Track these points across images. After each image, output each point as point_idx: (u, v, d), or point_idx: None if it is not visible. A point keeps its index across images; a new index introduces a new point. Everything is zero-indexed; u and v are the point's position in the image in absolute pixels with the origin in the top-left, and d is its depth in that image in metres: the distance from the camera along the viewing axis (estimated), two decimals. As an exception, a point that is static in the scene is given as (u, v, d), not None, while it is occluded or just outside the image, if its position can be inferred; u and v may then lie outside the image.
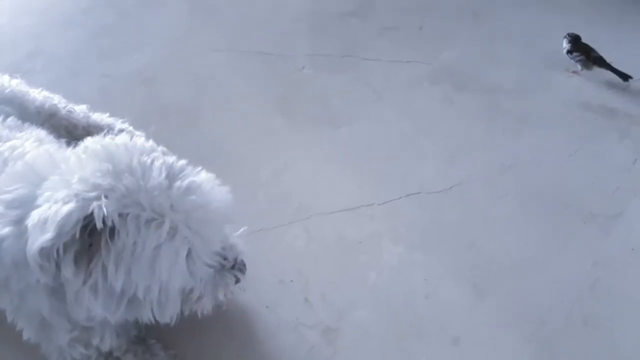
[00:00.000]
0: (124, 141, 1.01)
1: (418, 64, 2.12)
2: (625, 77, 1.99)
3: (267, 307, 1.35)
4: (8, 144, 1.13)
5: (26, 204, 0.96)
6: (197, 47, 2.25)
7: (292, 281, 1.41)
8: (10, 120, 1.26)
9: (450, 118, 1.91)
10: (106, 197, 0.90)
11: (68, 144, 1.21)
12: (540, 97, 1.98)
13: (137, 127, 1.70)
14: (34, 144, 1.15)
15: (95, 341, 1.09)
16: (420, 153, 1.78)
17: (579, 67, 2.04)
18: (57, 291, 0.99)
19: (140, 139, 1.03)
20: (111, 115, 1.71)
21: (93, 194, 0.90)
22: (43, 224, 0.88)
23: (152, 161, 0.97)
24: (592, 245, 1.51)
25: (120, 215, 0.90)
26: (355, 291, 1.40)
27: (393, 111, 1.94)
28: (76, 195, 0.90)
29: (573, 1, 2.44)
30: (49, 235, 0.87)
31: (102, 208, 0.89)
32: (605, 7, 2.42)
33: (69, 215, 0.88)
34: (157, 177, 0.95)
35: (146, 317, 1.01)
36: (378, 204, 1.61)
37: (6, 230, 0.96)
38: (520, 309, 1.38)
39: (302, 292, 1.39)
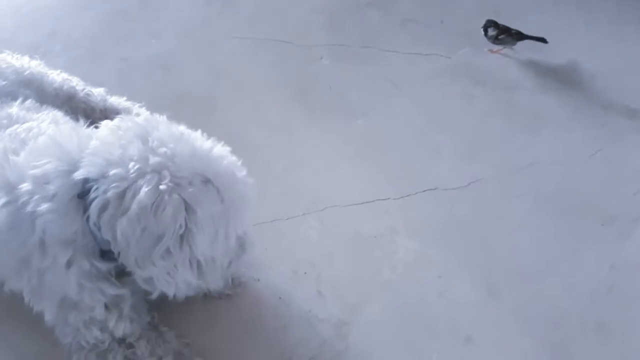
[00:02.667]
0: (147, 117, 1.06)
1: (438, 57, 2.09)
2: (543, 40, 2.09)
3: (280, 298, 1.35)
4: (25, 125, 1.14)
5: (57, 179, 0.97)
6: (215, 35, 2.23)
7: (305, 273, 1.41)
8: (29, 102, 1.26)
9: (468, 113, 1.89)
10: (188, 182, 0.94)
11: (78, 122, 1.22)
12: (560, 96, 1.94)
13: (153, 113, 1.69)
14: (50, 125, 1.16)
15: (111, 324, 1.09)
16: (438, 148, 1.76)
17: (501, 47, 2.13)
18: (90, 273, 1.00)
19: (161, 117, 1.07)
20: (128, 100, 1.71)
21: (168, 179, 0.92)
22: (147, 228, 0.91)
23: (189, 132, 1.03)
24: (610, 248, 1.49)
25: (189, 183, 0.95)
26: (369, 286, 1.40)
27: (411, 104, 1.92)
28: (169, 191, 0.92)
29: (595, -3, 2.39)
30: (168, 237, 0.92)
31: (190, 190, 0.93)
32: (628, 4, 2.36)
33: (176, 210, 0.92)
34: (200, 143, 1.01)
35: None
36: (394, 199, 1.60)
37: (45, 206, 0.95)
38: (534, 310, 1.36)
39: (315, 284, 1.39)
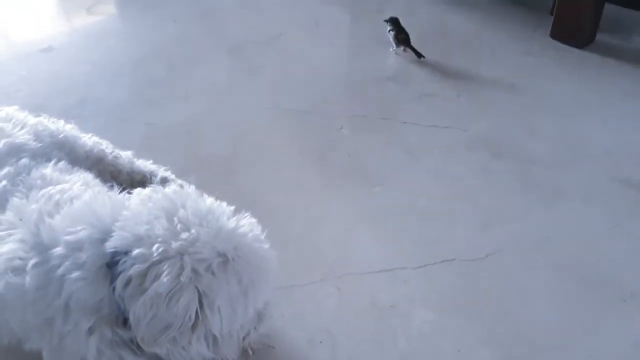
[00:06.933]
0: (176, 189, 1.07)
1: (455, 130, 2.14)
2: (419, 55, 2.52)
3: (295, 367, 1.33)
4: (58, 187, 1.18)
5: (89, 247, 1.00)
6: (238, 103, 2.32)
7: (321, 342, 1.39)
8: (61, 164, 1.31)
9: (485, 186, 1.91)
10: (205, 268, 0.96)
11: (112, 188, 1.25)
12: (577, 170, 1.96)
13: (177, 176, 1.74)
14: (81, 187, 1.20)
15: None
16: (455, 219, 1.77)
17: (394, 46, 2.55)
18: (112, 340, 1.01)
19: (190, 187, 1.10)
20: (154, 163, 1.76)
21: (189, 268, 0.95)
22: (157, 316, 0.94)
23: (216, 206, 1.05)
24: (632, 325, 1.46)
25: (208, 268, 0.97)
26: (385, 356, 1.37)
27: (428, 175, 1.95)
28: (187, 283, 0.94)
29: (611, 71, 2.44)
30: (175, 327, 0.94)
31: (206, 280, 0.95)
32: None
33: (189, 304, 0.94)
34: (225, 221, 1.03)
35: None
36: (411, 268, 1.60)
37: (76, 274, 0.98)
38: (555, 388, 1.32)
39: (330, 354, 1.37)
